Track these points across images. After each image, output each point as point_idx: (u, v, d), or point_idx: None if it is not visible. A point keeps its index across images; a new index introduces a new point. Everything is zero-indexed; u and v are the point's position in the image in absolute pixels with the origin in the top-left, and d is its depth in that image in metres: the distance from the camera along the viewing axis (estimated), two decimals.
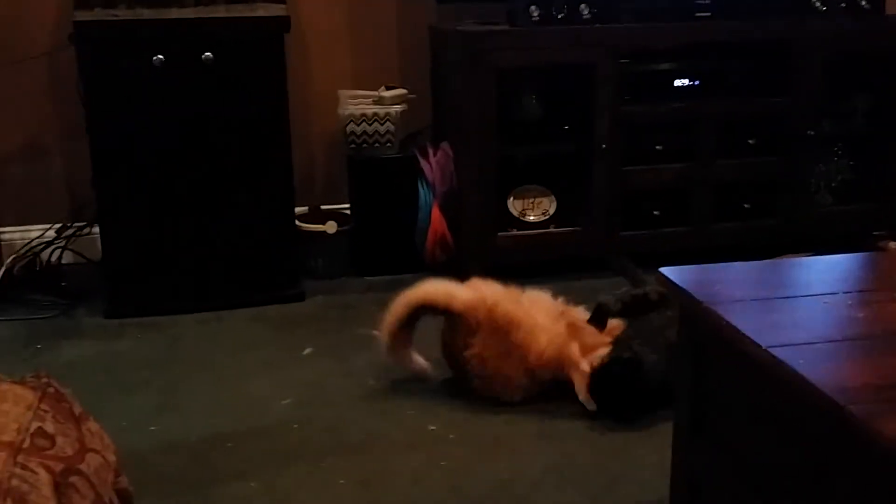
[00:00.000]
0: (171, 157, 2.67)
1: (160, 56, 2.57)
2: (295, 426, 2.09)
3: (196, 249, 2.74)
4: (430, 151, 3.01)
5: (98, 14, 2.57)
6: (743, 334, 1.19)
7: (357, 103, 3.02)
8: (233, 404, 2.20)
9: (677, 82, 2.98)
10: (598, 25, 2.83)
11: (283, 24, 2.67)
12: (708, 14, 2.92)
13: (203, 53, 2.60)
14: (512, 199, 3.01)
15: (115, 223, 2.69)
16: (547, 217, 3.02)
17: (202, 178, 2.70)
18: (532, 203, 3.04)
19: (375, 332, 2.57)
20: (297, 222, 2.93)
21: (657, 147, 2.96)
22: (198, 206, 2.71)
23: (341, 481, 1.87)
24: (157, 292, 2.74)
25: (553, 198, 3.04)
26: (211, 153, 2.69)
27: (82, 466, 1.11)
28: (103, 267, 2.76)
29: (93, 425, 1.22)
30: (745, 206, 3.06)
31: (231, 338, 2.59)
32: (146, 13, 2.61)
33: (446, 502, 1.80)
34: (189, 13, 2.62)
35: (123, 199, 2.68)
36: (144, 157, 2.66)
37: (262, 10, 2.69)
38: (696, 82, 2.99)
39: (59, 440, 1.12)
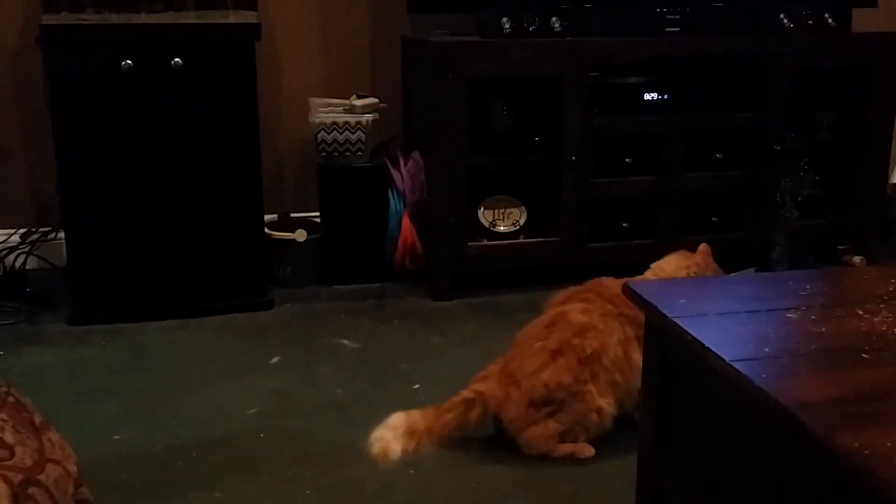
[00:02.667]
0: (138, 163, 2.65)
1: (129, 61, 2.56)
2: (261, 435, 2.08)
3: (162, 256, 2.72)
4: (401, 160, 3.01)
5: (65, 18, 2.54)
6: (707, 348, 1.20)
7: (328, 112, 3.01)
8: (198, 413, 2.18)
9: (646, 96, 3.02)
10: (568, 38, 2.85)
11: (253, 31, 2.66)
12: (677, 29, 2.95)
13: (172, 59, 2.58)
14: (482, 209, 3.02)
15: (81, 229, 2.66)
16: (517, 227, 3.04)
17: (169, 185, 2.68)
18: (502, 213, 3.05)
19: (344, 341, 2.58)
20: (266, 230, 2.92)
21: (626, 160, 2.99)
22: (165, 212, 2.69)
23: (307, 491, 1.86)
24: (123, 299, 2.71)
25: (523, 208, 3.05)
26: (179, 160, 2.67)
27: (42, 477, 1.09)
28: (68, 273, 2.73)
29: (53, 435, 1.20)
30: (713, 219, 3.09)
31: (197, 346, 2.57)
32: (114, 18, 2.58)
33: None
34: (158, 19, 2.60)
35: (89, 205, 2.65)
36: (111, 162, 2.63)
37: (233, 17, 2.67)
38: (665, 96, 3.03)
39: (19, 450, 1.10)
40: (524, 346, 1.98)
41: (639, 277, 2.14)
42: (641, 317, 1.97)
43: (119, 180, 2.65)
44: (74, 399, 2.24)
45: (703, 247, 2.19)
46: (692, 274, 2.10)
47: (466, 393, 1.97)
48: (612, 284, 2.06)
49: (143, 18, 2.60)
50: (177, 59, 2.58)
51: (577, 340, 1.94)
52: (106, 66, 2.56)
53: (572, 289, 2.07)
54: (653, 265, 2.18)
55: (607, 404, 1.95)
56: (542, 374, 1.92)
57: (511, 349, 2.01)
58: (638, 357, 1.97)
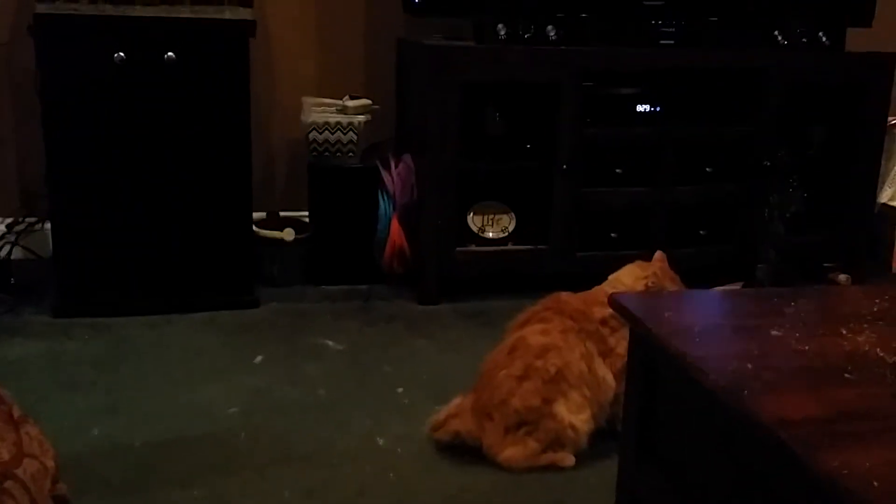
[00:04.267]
0: (127, 155, 2.64)
1: (121, 53, 2.55)
2: (242, 434, 2.07)
3: (149, 250, 2.71)
4: (392, 163, 3.00)
5: (59, 7, 2.53)
6: (690, 362, 1.21)
7: (321, 111, 3.01)
8: (179, 410, 2.17)
9: (639, 107, 3.02)
10: (563, 47, 2.86)
11: (248, 28, 2.65)
12: (671, 42, 2.96)
13: (165, 53, 2.57)
14: (472, 214, 3.02)
15: (68, 220, 2.65)
16: (506, 234, 3.04)
17: (158, 179, 2.67)
18: (492, 219, 3.05)
19: (329, 342, 2.58)
20: (254, 228, 2.91)
21: (617, 170, 2.99)
22: (153, 207, 2.68)
23: (286, 492, 1.85)
24: (108, 292, 2.70)
25: (513, 215, 3.05)
26: (169, 154, 2.66)
27: (18, 472, 1.08)
28: (53, 264, 2.71)
29: (32, 429, 1.19)
30: (701, 232, 3.10)
31: (181, 342, 2.56)
32: (109, 9, 2.57)
33: None
34: (153, 11, 2.59)
35: (77, 196, 2.63)
36: (100, 154, 2.62)
37: (228, 13, 2.67)
38: (658, 108, 3.03)
39: None
40: (490, 376, 2.00)
41: (596, 289, 2.15)
42: (602, 332, 2.00)
43: (108, 173, 2.63)
44: (55, 392, 2.22)
45: (658, 255, 2.20)
46: (650, 284, 2.12)
47: (442, 434, 1.99)
48: (570, 300, 2.07)
49: (138, 11, 2.59)
50: (170, 53, 2.58)
51: (540, 362, 1.95)
52: (98, 58, 2.55)
53: (531, 309, 2.08)
54: (610, 277, 2.19)
55: (580, 421, 1.96)
56: (511, 401, 1.94)
57: (479, 380, 2.03)
58: (603, 371, 1.99)
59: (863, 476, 0.93)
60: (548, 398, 1.94)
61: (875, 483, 0.92)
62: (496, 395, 1.95)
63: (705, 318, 1.38)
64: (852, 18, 3.13)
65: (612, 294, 1.44)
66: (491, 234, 3.03)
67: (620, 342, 1.98)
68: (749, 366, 1.19)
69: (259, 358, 2.47)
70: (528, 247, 2.98)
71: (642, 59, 2.93)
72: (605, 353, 2.00)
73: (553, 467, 1.95)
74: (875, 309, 1.44)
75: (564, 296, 2.09)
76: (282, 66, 3.23)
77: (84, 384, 2.28)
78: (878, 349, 1.27)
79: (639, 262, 2.19)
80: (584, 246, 2.98)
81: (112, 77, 2.57)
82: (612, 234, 3.02)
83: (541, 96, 2.91)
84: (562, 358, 1.96)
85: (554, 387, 1.94)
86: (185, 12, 2.62)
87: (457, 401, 2.05)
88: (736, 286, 2.95)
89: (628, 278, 2.15)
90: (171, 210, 2.70)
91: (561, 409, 1.95)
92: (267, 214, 3.14)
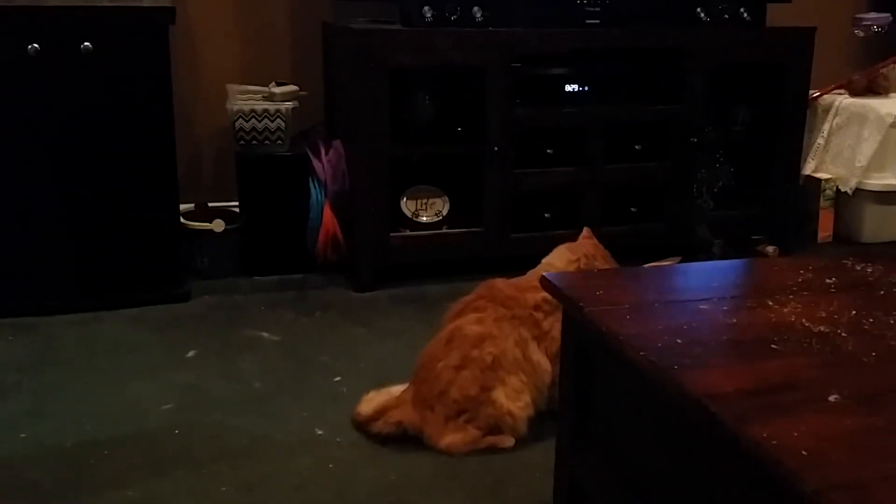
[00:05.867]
0: (47, 149, 2.56)
1: (35, 45, 2.46)
2: (176, 431, 2.03)
3: (75, 246, 2.63)
4: (322, 149, 2.97)
5: None
6: (621, 339, 1.21)
7: (246, 99, 2.96)
8: (111, 409, 2.11)
9: (568, 87, 3.03)
10: (490, 28, 2.85)
11: (167, 15, 2.58)
12: (597, 21, 2.97)
13: (82, 44, 2.49)
14: (405, 199, 3.00)
15: None
16: (440, 218, 3.03)
17: (81, 173, 2.59)
18: (425, 203, 3.03)
19: (263, 334, 2.54)
20: (182, 220, 2.85)
21: (548, 150, 3.00)
22: (76, 201, 2.61)
23: (223, 488, 1.82)
24: (33, 291, 2.62)
25: (446, 198, 3.05)
26: (90, 147, 2.59)
27: None
28: None
29: None
30: (633, 209, 3.13)
31: (111, 339, 2.50)
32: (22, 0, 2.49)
33: None
34: (68, 1, 2.51)
35: None
36: (19, 149, 2.53)
37: (146, 0, 2.60)
38: (586, 88, 3.05)
39: None
40: (428, 367, 2.00)
41: (529, 273, 2.15)
42: (535, 316, 2.02)
43: (28, 168, 2.55)
44: None
45: (585, 232, 2.22)
46: (583, 265, 2.13)
47: (383, 426, 1.99)
48: (503, 287, 2.07)
49: (53, 0, 2.51)
50: (86, 44, 2.50)
51: (476, 352, 1.96)
52: (12, 50, 2.46)
53: (465, 299, 2.08)
54: (543, 261, 2.19)
55: (519, 407, 1.97)
56: (450, 391, 1.94)
57: (417, 372, 2.03)
58: (537, 356, 2.01)
59: (791, 447, 0.94)
60: (486, 386, 1.94)
61: (803, 452, 0.93)
62: (435, 387, 1.95)
63: (635, 295, 1.39)
64: None
65: (544, 275, 1.44)
66: (425, 219, 3.02)
67: (554, 325, 1.99)
68: (678, 341, 1.21)
69: (192, 353, 2.42)
70: (463, 230, 2.98)
71: (569, 40, 2.93)
72: (540, 338, 2.01)
73: (493, 449, 1.96)
74: (800, 280, 1.47)
75: (498, 283, 2.09)
76: (204, 54, 3.17)
77: (10, 386, 2.21)
78: (804, 319, 1.30)
79: (568, 244, 2.20)
80: (517, 227, 2.99)
81: (27, 70, 2.48)
82: (546, 215, 3.04)
83: (470, 78, 2.90)
84: (497, 346, 1.96)
85: (491, 375, 1.95)
86: (101, 0, 2.54)
87: (373, 393, 2.06)
88: (673, 261, 2.99)
89: (560, 261, 2.16)
90: (96, 204, 2.62)
91: (499, 396, 1.95)
92: (195, 206, 3.08)
